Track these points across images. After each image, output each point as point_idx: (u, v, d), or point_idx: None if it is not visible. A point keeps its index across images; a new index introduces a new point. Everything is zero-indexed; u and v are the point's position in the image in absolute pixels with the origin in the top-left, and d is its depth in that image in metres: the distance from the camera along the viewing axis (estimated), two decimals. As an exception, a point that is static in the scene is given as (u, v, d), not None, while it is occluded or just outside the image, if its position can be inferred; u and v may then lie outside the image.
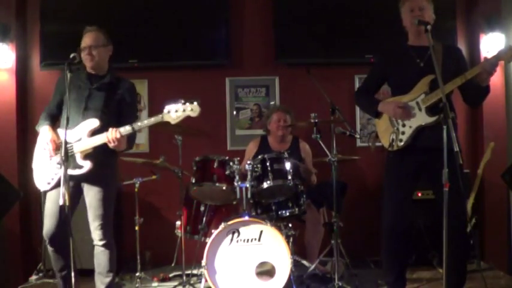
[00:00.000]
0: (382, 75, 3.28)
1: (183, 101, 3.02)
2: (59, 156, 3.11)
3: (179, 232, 3.83)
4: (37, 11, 4.75)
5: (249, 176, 3.61)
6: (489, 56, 2.93)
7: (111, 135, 3.00)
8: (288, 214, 3.76)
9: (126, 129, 3.04)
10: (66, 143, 2.82)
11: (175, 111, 3.01)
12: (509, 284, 3.94)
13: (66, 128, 2.83)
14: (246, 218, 3.46)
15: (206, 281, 3.42)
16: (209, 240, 3.43)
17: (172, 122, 3.03)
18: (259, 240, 3.43)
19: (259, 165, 3.66)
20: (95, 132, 3.09)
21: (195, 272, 3.95)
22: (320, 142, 3.75)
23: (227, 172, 3.66)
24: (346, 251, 4.13)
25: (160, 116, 3.03)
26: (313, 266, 3.91)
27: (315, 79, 4.08)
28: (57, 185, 3.11)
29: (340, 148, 3.80)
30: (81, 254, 3.69)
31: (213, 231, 3.50)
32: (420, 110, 3.03)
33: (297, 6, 4.82)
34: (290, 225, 3.87)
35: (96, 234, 3.21)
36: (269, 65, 4.92)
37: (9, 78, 4.66)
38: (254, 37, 4.96)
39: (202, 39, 4.77)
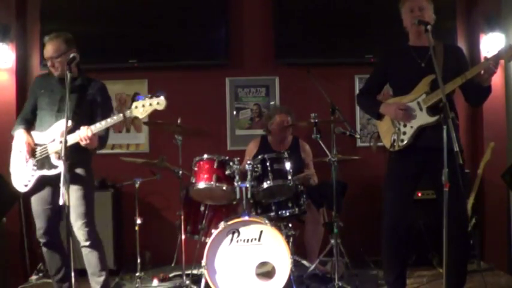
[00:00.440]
0: (383, 76, 3.28)
1: (149, 96, 3.11)
2: (34, 158, 3.22)
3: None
4: (37, 11, 4.75)
5: (249, 176, 3.61)
6: (489, 55, 2.92)
7: (82, 134, 3.06)
8: (288, 214, 3.76)
9: (96, 127, 3.11)
10: (66, 142, 2.82)
11: (142, 106, 3.08)
12: (509, 284, 3.94)
13: (66, 128, 2.84)
14: (246, 218, 3.46)
15: (206, 281, 3.42)
16: (209, 240, 3.43)
17: (141, 117, 3.11)
18: (259, 240, 3.43)
19: (259, 165, 3.66)
20: (68, 133, 3.12)
21: (195, 272, 3.95)
22: (320, 142, 3.75)
23: (227, 172, 3.66)
24: (346, 251, 4.13)
25: (129, 111, 3.11)
26: (313, 266, 3.91)
27: (315, 79, 4.07)
28: (36, 187, 3.24)
29: (340, 148, 3.80)
30: (79, 254, 3.67)
31: (213, 231, 3.50)
32: (421, 110, 3.03)
33: (297, 6, 4.82)
34: (290, 225, 3.88)
35: (80, 234, 3.22)
36: (269, 65, 4.92)
37: (9, 78, 4.66)
38: (254, 37, 4.96)
39: (202, 39, 4.77)
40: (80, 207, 3.22)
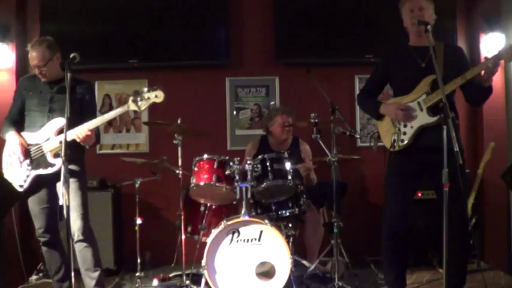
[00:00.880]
0: (384, 76, 3.29)
1: (146, 89, 3.14)
2: (29, 158, 3.25)
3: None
4: (37, 11, 4.75)
5: (249, 176, 3.61)
6: (489, 55, 2.92)
7: (81, 134, 3.10)
8: (288, 214, 3.76)
9: (93, 123, 3.14)
10: (66, 142, 2.82)
11: (140, 100, 3.11)
12: (509, 284, 3.93)
13: (66, 128, 2.83)
14: (246, 218, 3.46)
15: (206, 281, 3.42)
16: (209, 240, 3.43)
17: (139, 110, 3.15)
18: (259, 240, 3.43)
19: (259, 165, 3.66)
20: (61, 131, 3.16)
21: (195, 272, 3.94)
22: (320, 142, 3.75)
23: (227, 172, 3.65)
24: (346, 251, 4.13)
25: (126, 105, 3.15)
26: (313, 266, 3.91)
27: (315, 79, 4.07)
28: (32, 187, 3.27)
29: (340, 148, 3.80)
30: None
31: (213, 231, 3.50)
32: (422, 110, 3.04)
33: (297, 6, 4.81)
34: (290, 225, 3.88)
35: (75, 227, 3.22)
36: (269, 65, 4.92)
37: (9, 78, 4.66)
38: (254, 37, 4.95)
39: (202, 39, 4.77)
40: (76, 198, 3.24)
